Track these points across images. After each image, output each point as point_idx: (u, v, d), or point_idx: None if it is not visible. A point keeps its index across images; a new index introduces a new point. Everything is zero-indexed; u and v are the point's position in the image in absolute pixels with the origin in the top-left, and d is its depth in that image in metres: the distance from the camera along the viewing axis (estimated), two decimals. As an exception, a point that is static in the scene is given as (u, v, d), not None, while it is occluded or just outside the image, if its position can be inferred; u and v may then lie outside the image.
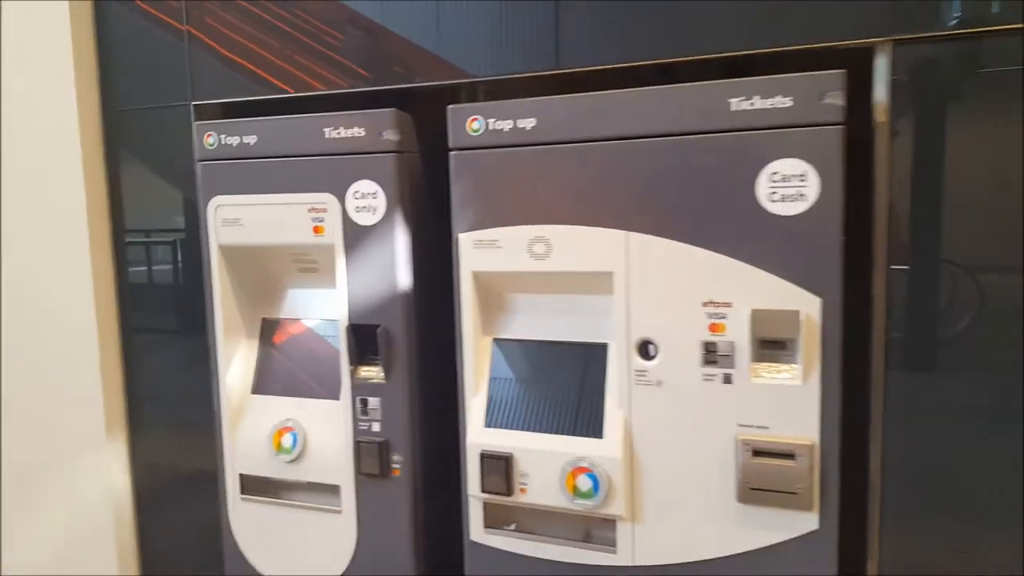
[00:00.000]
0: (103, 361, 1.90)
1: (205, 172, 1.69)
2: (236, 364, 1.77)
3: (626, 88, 1.39)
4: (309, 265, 1.74)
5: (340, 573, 1.70)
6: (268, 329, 1.80)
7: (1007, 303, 1.28)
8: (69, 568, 2.03)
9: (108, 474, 1.95)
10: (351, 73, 1.67)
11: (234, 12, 1.76)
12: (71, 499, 2.01)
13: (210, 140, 1.66)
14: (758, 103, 1.29)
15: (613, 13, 1.48)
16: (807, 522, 1.34)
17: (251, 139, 1.63)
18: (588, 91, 1.41)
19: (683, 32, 1.44)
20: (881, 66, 1.30)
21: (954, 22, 1.28)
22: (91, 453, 1.95)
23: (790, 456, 1.32)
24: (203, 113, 1.77)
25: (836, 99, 1.25)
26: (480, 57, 1.58)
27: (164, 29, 1.82)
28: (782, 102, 1.28)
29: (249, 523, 1.78)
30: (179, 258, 1.92)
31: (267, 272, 1.78)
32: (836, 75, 1.25)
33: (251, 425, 1.75)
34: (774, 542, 1.36)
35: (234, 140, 1.64)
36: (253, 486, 1.78)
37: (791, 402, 1.33)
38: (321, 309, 1.75)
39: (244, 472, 1.77)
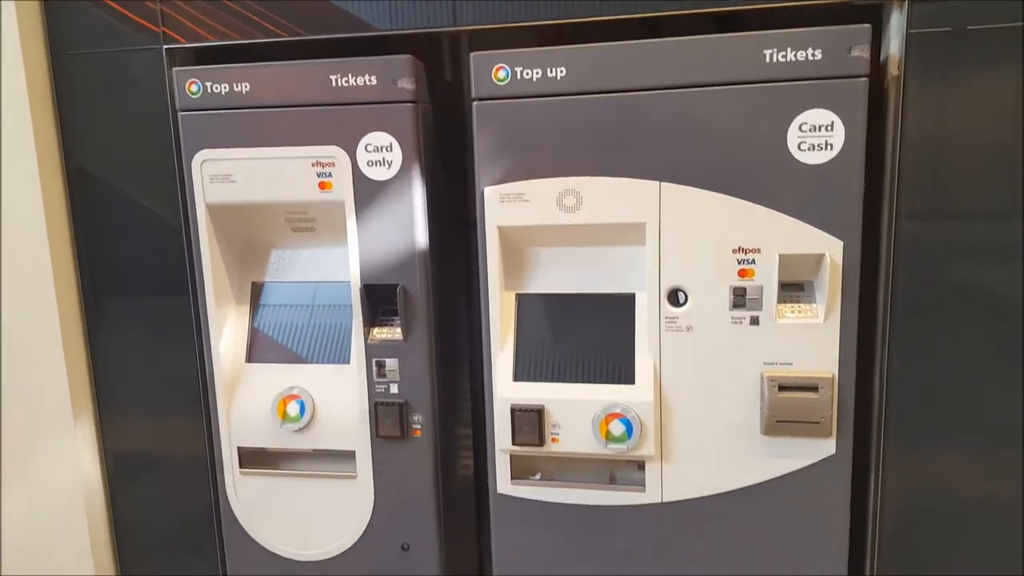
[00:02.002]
0: (65, 337, 1.71)
1: (187, 124, 1.53)
2: (227, 332, 1.65)
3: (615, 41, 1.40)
4: (305, 224, 1.63)
5: (357, 538, 1.66)
6: (259, 294, 1.68)
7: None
8: (41, 553, 1.85)
9: (77, 458, 1.78)
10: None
11: None
12: (39, 485, 1.81)
13: (193, 88, 1.50)
14: (791, 55, 1.33)
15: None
16: (826, 448, 1.45)
17: (244, 87, 1.48)
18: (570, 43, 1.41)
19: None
20: (896, 22, 1.38)
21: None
22: (59, 437, 1.76)
23: (813, 389, 1.43)
24: (175, 59, 1.60)
25: (862, 52, 1.32)
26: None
27: None
28: (813, 54, 1.33)
29: (251, 497, 1.69)
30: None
31: (256, 233, 1.65)
32: (863, 29, 1.31)
33: (248, 395, 1.65)
34: (795, 469, 1.47)
35: (223, 88, 1.49)
36: (251, 459, 1.69)
37: (813, 339, 1.42)
38: (319, 270, 1.65)
39: (243, 445, 1.67)
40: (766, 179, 1.38)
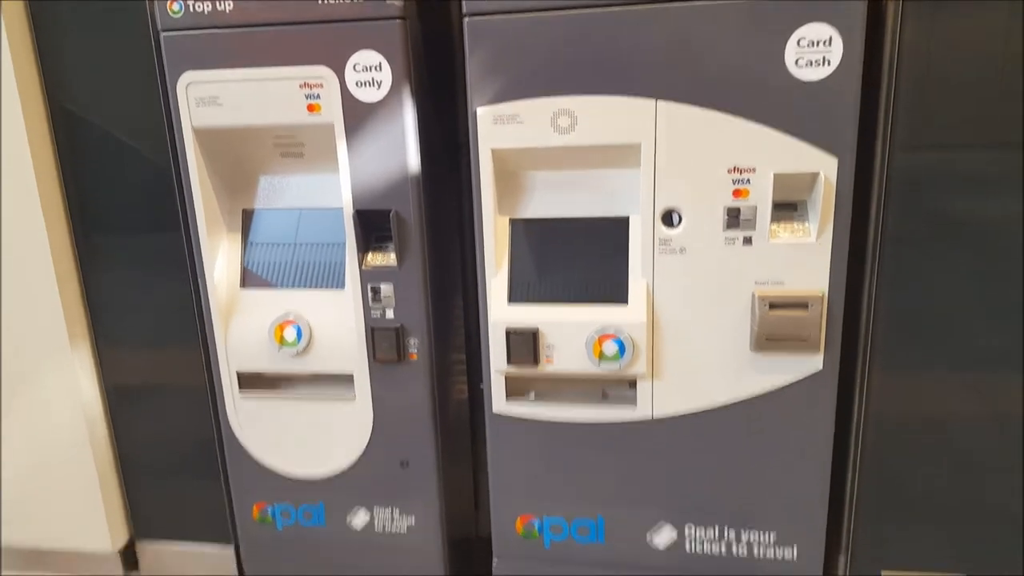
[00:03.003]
0: (58, 274, 1.70)
1: (170, 45, 1.48)
2: (220, 259, 1.65)
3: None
4: (294, 149, 1.61)
5: (358, 457, 1.71)
6: (250, 221, 1.67)
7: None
8: (47, 480, 1.91)
9: (77, 389, 1.80)
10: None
11: None
12: (40, 418, 1.85)
13: (175, 7, 1.44)
14: (791, -33, 1.30)
15: None
16: (813, 364, 1.49)
17: (227, 5, 1.43)
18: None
19: None
20: (896, -69, 1.34)
21: None
22: (57, 369, 1.78)
23: (803, 306, 1.45)
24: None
25: (863, -37, 1.28)
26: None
27: None
28: (814, -34, 1.29)
29: (252, 420, 1.73)
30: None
31: (244, 159, 1.63)
32: (864, -61, 1.27)
33: (245, 321, 1.66)
34: (782, 384, 1.52)
35: (205, 6, 1.43)
36: (251, 383, 1.72)
37: (805, 258, 1.44)
38: (310, 196, 1.64)
39: (241, 369, 1.69)
40: (763, 96, 1.36)
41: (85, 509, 1.90)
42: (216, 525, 1.92)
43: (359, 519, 1.78)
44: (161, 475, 1.92)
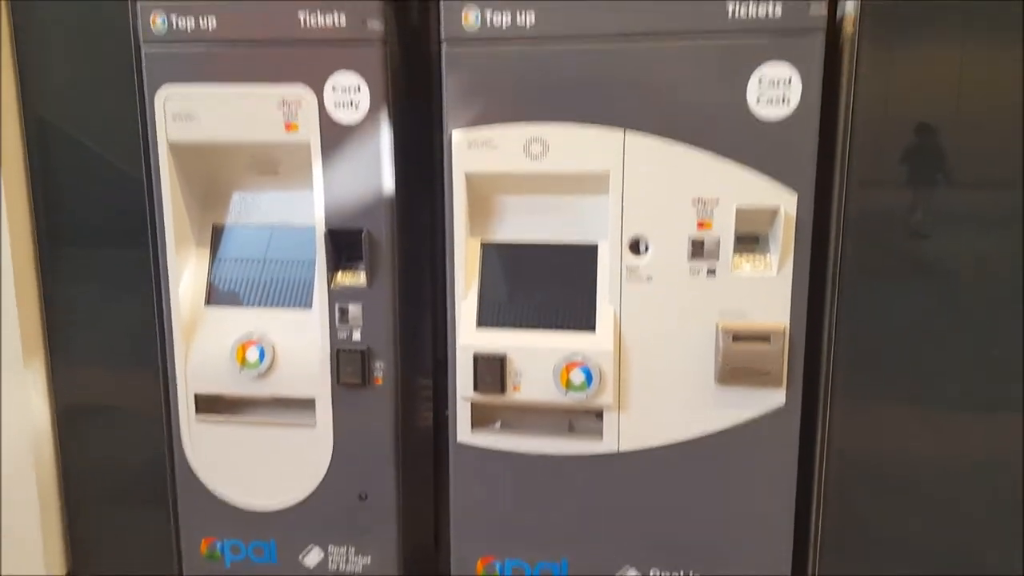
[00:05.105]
0: (18, 281, 1.67)
1: (151, 58, 1.50)
2: (186, 275, 1.63)
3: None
4: (268, 166, 1.62)
5: (314, 488, 1.65)
6: (220, 236, 1.66)
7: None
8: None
9: (27, 407, 1.74)
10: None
11: None
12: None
13: (158, 22, 1.48)
14: (752, 10, 1.37)
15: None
16: (776, 399, 1.50)
17: (210, 22, 1.47)
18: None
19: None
20: (853, -20, 1.43)
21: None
22: (8, 382, 1.72)
23: (766, 339, 1.47)
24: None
25: (820, 9, 1.37)
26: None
27: None
28: (774, 9, 1.37)
29: (206, 446, 1.67)
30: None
31: (218, 174, 1.63)
32: (821, -13, 1.36)
33: (207, 340, 1.63)
34: (747, 419, 1.52)
35: (188, 23, 1.47)
36: (208, 406, 1.67)
37: (766, 290, 1.46)
38: (282, 214, 1.64)
39: (200, 391, 1.65)
40: (726, 131, 1.42)
41: (21, 537, 1.79)
42: (160, 559, 1.82)
43: (312, 557, 1.71)
44: (107, 503, 1.84)
